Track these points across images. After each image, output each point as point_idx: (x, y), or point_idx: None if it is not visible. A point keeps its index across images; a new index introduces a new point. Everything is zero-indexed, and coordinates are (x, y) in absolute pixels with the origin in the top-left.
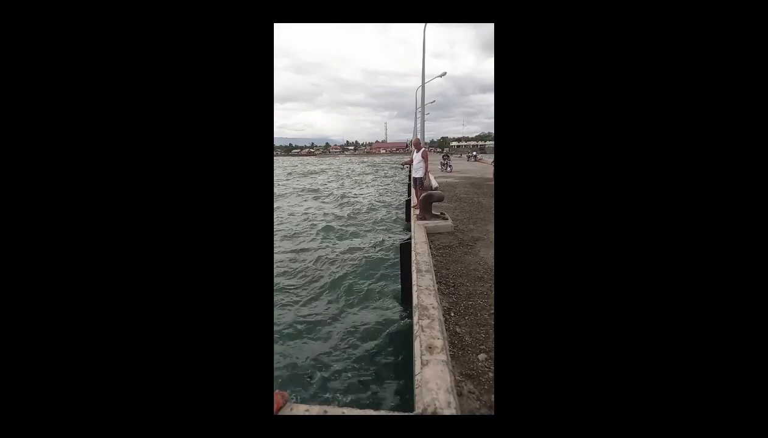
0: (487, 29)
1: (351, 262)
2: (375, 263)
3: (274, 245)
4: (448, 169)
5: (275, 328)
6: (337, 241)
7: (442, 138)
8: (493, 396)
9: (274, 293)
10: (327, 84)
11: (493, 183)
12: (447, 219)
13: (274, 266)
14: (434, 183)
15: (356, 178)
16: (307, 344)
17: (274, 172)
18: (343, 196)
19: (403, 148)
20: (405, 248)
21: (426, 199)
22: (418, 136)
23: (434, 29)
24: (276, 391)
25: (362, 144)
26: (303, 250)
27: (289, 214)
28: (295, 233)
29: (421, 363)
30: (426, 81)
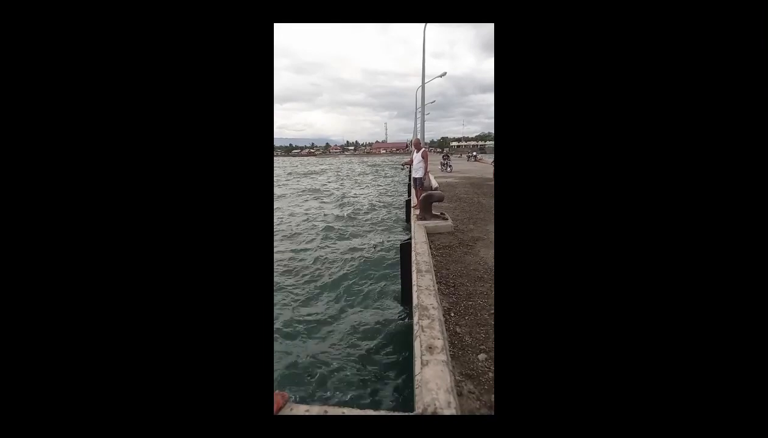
0: (487, 29)
1: (351, 262)
2: (375, 263)
3: (274, 245)
4: (448, 169)
5: (275, 327)
6: (337, 241)
7: (442, 138)
8: (493, 396)
9: (275, 293)
10: (327, 84)
11: (493, 183)
12: (447, 219)
13: (275, 266)
14: (434, 183)
15: (356, 178)
16: (308, 344)
17: (275, 172)
18: (343, 197)
19: (403, 149)
20: (405, 248)
21: (426, 199)
22: (418, 136)
23: (434, 29)
24: (276, 392)
25: (362, 144)
26: (303, 250)
27: (289, 214)
28: (295, 233)
29: (421, 363)
30: (426, 81)
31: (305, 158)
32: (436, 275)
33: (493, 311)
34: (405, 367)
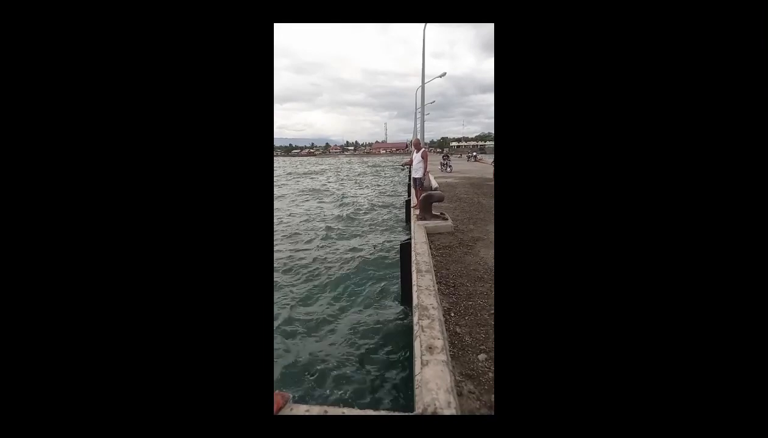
0: (487, 29)
1: (351, 262)
2: (375, 263)
3: (274, 245)
4: (448, 169)
5: (275, 327)
6: (337, 241)
7: (442, 138)
8: (493, 396)
9: (275, 293)
10: (327, 84)
11: (493, 183)
12: (447, 219)
13: (274, 266)
14: (434, 183)
15: (356, 178)
16: (308, 343)
17: (274, 172)
18: (342, 197)
19: (403, 149)
20: (405, 248)
21: (426, 200)
22: (418, 137)
23: (434, 29)
24: (276, 392)
25: (362, 144)
26: (303, 250)
27: (289, 214)
28: (295, 233)
29: (421, 363)
30: (426, 81)
31: (305, 158)
32: (436, 275)
33: (493, 311)
34: (405, 367)
